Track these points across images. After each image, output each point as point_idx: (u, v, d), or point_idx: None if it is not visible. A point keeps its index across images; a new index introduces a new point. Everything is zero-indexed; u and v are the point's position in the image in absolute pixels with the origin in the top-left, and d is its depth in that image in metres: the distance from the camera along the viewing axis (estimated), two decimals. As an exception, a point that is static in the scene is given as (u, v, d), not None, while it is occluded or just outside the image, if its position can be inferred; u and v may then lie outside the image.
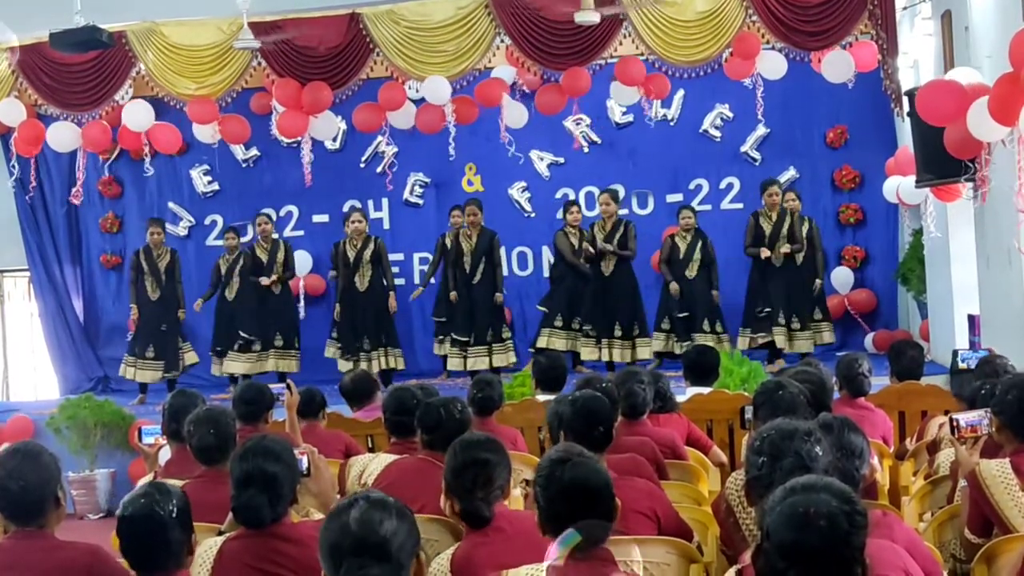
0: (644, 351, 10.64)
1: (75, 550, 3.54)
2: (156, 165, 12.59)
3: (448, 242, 10.95)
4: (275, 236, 11.40)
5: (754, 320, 10.50)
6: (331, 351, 10.99)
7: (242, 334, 11.03)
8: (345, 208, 12.17)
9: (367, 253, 10.84)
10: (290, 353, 11.12)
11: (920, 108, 7.72)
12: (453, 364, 10.92)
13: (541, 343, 10.70)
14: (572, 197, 11.96)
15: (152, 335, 11.11)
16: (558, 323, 10.78)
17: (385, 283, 10.92)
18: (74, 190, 11.95)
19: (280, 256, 11.14)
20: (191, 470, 4.54)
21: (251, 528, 3.51)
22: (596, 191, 11.73)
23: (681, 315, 10.62)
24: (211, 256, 11.91)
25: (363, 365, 10.52)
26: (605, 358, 10.67)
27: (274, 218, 11.74)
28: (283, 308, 11.24)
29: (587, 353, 10.72)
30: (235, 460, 3.58)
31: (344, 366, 10.59)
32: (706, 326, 10.59)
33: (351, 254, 10.87)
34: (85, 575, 3.47)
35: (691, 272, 10.71)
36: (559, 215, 11.37)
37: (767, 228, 10.48)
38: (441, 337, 11.13)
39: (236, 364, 11.08)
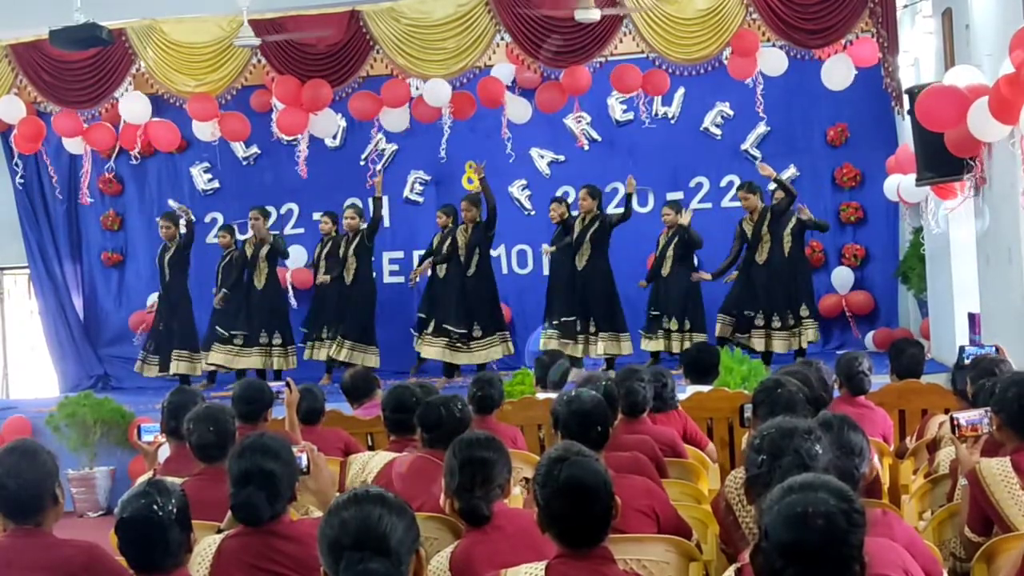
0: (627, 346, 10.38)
1: (72, 548, 3.54)
2: (156, 163, 12.61)
3: (435, 241, 10.88)
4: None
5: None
6: None
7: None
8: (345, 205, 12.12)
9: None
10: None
11: (920, 114, 7.71)
12: (444, 357, 10.63)
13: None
14: (571, 194, 11.94)
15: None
16: (548, 323, 10.56)
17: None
18: (81, 191, 11.94)
19: None
20: (190, 468, 4.54)
21: (250, 526, 3.50)
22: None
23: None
24: (210, 253, 11.78)
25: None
26: (582, 354, 10.23)
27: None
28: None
29: (572, 350, 10.21)
30: (233, 458, 3.58)
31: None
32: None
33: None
34: (82, 573, 3.47)
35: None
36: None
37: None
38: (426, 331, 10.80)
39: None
